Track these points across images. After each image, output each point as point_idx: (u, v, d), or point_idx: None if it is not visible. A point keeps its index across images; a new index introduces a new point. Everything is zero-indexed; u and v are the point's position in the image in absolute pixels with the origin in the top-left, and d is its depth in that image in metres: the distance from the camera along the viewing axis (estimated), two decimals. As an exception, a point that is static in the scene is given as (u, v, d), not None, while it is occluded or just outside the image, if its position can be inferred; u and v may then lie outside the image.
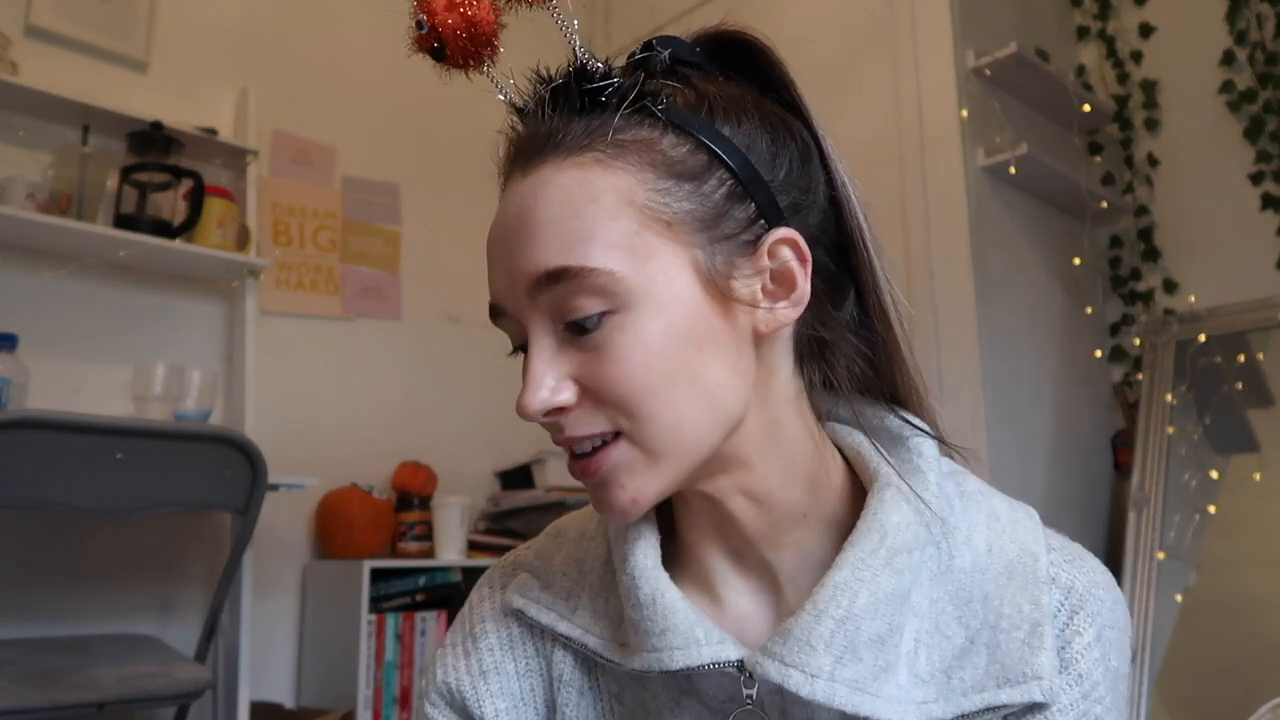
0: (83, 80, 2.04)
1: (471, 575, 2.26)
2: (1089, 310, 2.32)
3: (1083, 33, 2.51)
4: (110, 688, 1.46)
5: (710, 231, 0.51)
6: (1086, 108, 2.29)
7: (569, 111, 0.52)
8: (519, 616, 0.60)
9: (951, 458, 0.59)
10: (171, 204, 2.01)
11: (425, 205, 2.62)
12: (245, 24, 2.38)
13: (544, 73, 0.55)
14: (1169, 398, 2.13)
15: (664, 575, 0.54)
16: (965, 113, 2.06)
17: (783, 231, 0.52)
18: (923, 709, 0.50)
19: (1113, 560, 2.15)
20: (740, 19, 0.57)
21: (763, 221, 0.52)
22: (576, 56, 0.53)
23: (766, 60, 0.56)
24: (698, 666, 0.52)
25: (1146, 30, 2.38)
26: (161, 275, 2.12)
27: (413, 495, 2.26)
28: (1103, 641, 0.52)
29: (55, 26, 2.05)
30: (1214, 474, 2.05)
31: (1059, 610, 0.52)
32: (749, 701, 0.53)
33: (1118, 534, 2.13)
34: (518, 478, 2.53)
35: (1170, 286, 2.28)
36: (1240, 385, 2.10)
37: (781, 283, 0.52)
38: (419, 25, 0.55)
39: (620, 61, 0.56)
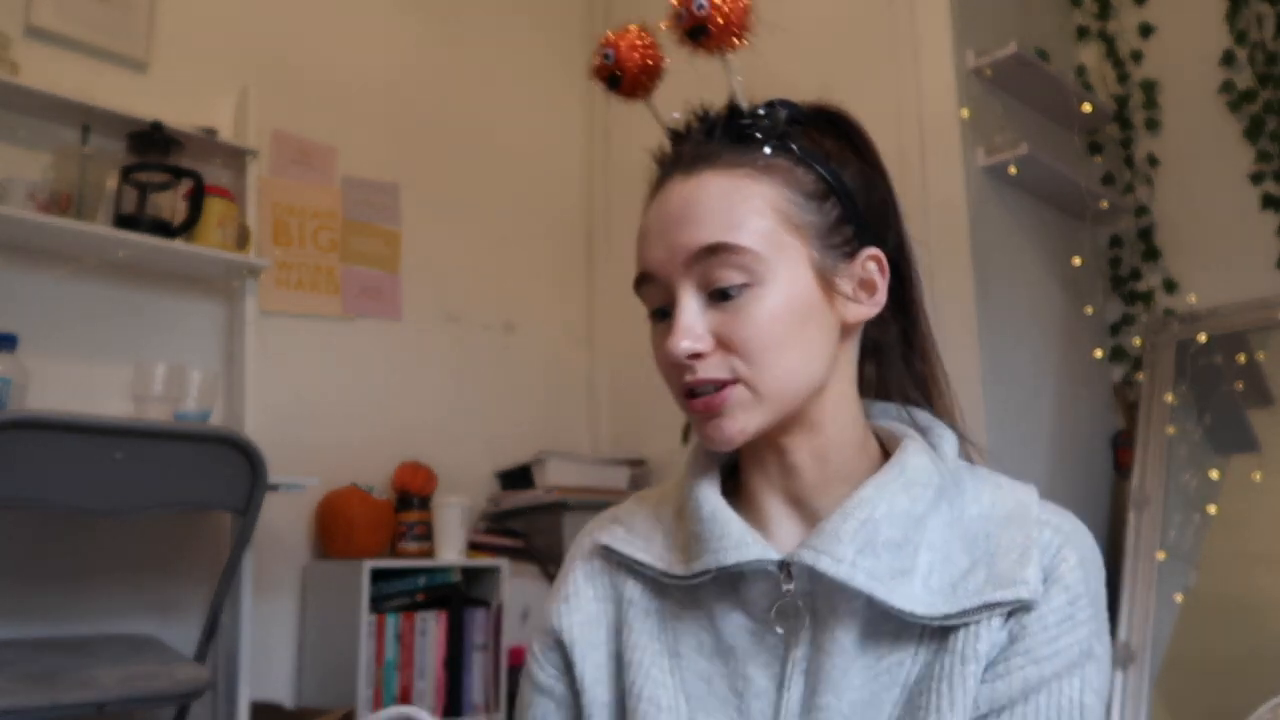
0: (83, 80, 2.04)
1: (471, 575, 2.26)
2: (1089, 310, 2.31)
3: (1083, 33, 2.50)
4: (110, 688, 1.46)
5: (824, 240, 0.68)
6: (1086, 108, 2.29)
7: (726, 137, 0.69)
8: (603, 553, 0.75)
9: (969, 455, 0.74)
10: (171, 204, 2.01)
11: (425, 205, 2.62)
12: (245, 24, 2.38)
13: (703, 107, 0.71)
14: (1169, 398, 2.13)
15: (723, 501, 0.70)
16: (965, 113, 2.06)
17: (872, 249, 0.70)
18: (930, 606, 0.63)
19: (1113, 560, 2.15)
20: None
21: (858, 240, 0.69)
22: (736, 98, 0.70)
23: (857, 132, 0.74)
24: (747, 562, 0.65)
25: (1146, 30, 2.38)
26: (161, 275, 2.12)
27: (413, 495, 2.26)
28: (1084, 565, 0.65)
29: (55, 26, 2.05)
30: (1214, 474, 2.05)
31: (1049, 543, 0.65)
32: (787, 594, 0.66)
33: (1118, 534, 2.13)
34: (518, 478, 2.53)
35: (1170, 286, 2.28)
36: (1240, 385, 2.10)
37: (867, 287, 0.69)
38: (605, 57, 0.71)
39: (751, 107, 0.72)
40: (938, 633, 0.64)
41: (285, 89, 2.40)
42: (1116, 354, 2.34)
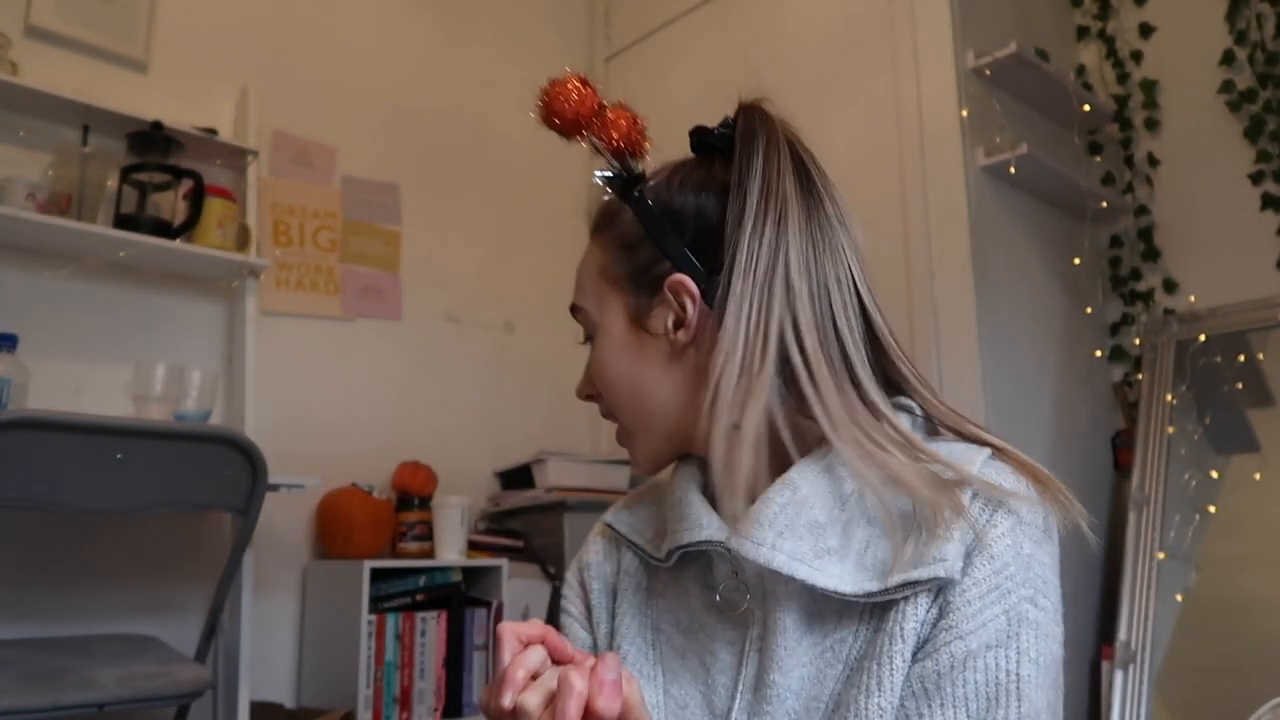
0: (83, 80, 2.04)
1: (471, 575, 2.26)
2: (1089, 310, 2.32)
3: (1083, 33, 2.51)
4: (110, 688, 1.46)
5: (635, 283, 0.74)
6: (1086, 108, 2.29)
7: (597, 210, 0.79)
8: (609, 532, 0.84)
9: (941, 422, 0.73)
10: (171, 204, 2.01)
11: (425, 205, 2.62)
12: (245, 24, 2.38)
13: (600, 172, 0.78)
14: (1169, 398, 2.13)
15: (694, 487, 0.74)
16: (965, 113, 2.06)
17: (673, 277, 0.72)
18: (856, 584, 0.64)
19: (1113, 560, 2.15)
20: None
21: (669, 266, 0.72)
22: (596, 179, 0.77)
23: (743, 140, 0.74)
24: (697, 542, 0.70)
25: (1146, 30, 2.39)
26: (161, 275, 2.12)
27: (413, 495, 2.26)
28: (1015, 532, 0.64)
29: (55, 26, 2.05)
30: (1214, 474, 2.05)
31: (978, 514, 0.64)
32: (735, 577, 0.70)
33: (1118, 534, 2.13)
34: (518, 478, 2.53)
35: (1170, 286, 2.28)
36: (1240, 385, 2.10)
37: (676, 313, 0.72)
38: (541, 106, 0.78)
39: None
40: (878, 609, 0.64)
41: (285, 89, 2.40)
42: (1116, 354, 2.34)
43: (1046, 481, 0.67)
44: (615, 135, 0.76)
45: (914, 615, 0.63)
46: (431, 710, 2.10)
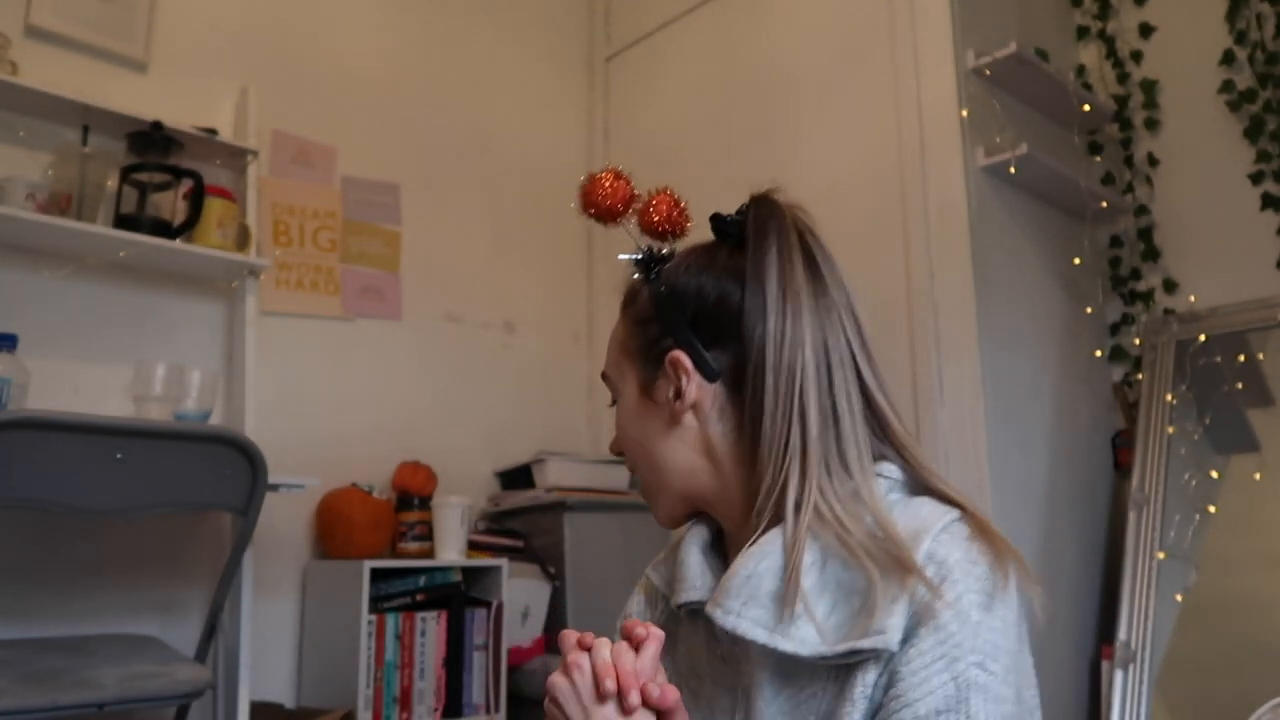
0: (83, 80, 2.04)
1: (471, 575, 2.26)
2: (1089, 310, 2.31)
3: (1083, 33, 2.51)
4: (110, 688, 1.46)
5: (644, 357, 0.83)
6: (1086, 108, 2.29)
7: (625, 289, 0.88)
8: (648, 584, 0.91)
9: (924, 481, 0.77)
10: (171, 204, 2.01)
11: (425, 205, 2.62)
12: (245, 24, 2.38)
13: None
14: (1169, 397, 2.13)
15: (696, 547, 0.82)
16: (965, 113, 2.06)
17: (672, 353, 0.80)
18: (814, 648, 0.67)
19: (1113, 560, 2.15)
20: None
21: (671, 341, 0.80)
22: (627, 259, 0.87)
23: (756, 228, 0.80)
24: (686, 603, 0.80)
25: (1146, 30, 2.39)
26: (161, 275, 2.12)
27: (413, 495, 2.26)
28: (962, 600, 0.66)
29: (55, 26, 2.05)
30: (1214, 474, 2.05)
31: (930, 580, 0.67)
32: (724, 636, 0.75)
33: (1118, 534, 2.13)
34: (518, 478, 2.53)
35: (1170, 286, 2.28)
36: (1240, 385, 2.10)
37: (675, 386, 0.80)
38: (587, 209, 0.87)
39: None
40: (843, 670, 0.68)
41: (285, 89, 2.40)
42: (1116, 354, 2.34)
43: (1003, 549, 0.70)
44: (657, 218, 0.86)
45: (864, 681, 0.66)
46: (431, 710, 2.10)
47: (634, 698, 0.65)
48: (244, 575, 1.86)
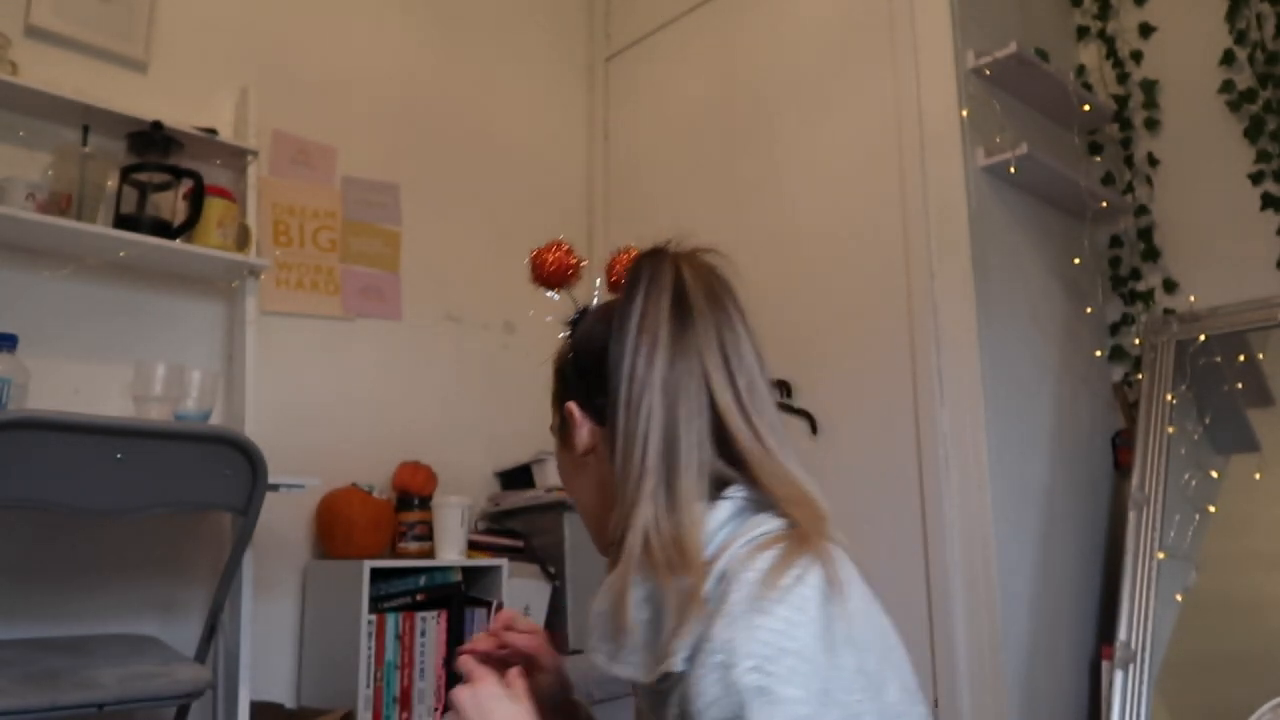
0: (83, 80, 2.04)
1: (471, 575, 2.25)
2: (1089, 310, 2.32)
3: (1083, 33, 2.51)
4: (110, 688, 1.45)
5: (557, 404, 0.92)
6: (1086, 108, 2.29)
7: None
8: None
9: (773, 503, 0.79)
10: (171, 204, 2.01)
11: (425, 205, 2.62)
12: (245, 24, 2.38)
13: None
14: (1169, 397, 2.13)
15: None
16: (965, 113, 2.06)
17: (568, 403, 0.89)
18: (650, 674, 0.72)
19: (1113, 560, 2.15)
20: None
21: (567, 391, 0.90)
22: (559, 324, 0.96)
23: (628, 284, 0.85)
24: None
25: (1146, 30, 2.39)
26: (161, 275, 2.12)
27: (413, 495, 2.26)
28: (735, 609, 0.68)
29: (55, 26, 2.05)
30: (1214, 474, 2.05)
31: (709, 602, 0.70)
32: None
33: (1118, 534, 2.13)
34: (518, 478, 2.53)
35: (1170, 286, 2.28)
36: (1240, 385, 2.10)
37: (572, 432, 0.89)
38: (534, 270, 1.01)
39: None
40: (663, 692, 0.73)
41: (285, 89, 2.40)
42: (1116, 354, 2.34)
43: (806, 551, 0.72)
44: (612, 275, 0.96)
45: (675, 703, 0.71)
46: (431, 710, 2.10)
47: (459, 663, 0.80)
48: (244, 575, 1.86)
